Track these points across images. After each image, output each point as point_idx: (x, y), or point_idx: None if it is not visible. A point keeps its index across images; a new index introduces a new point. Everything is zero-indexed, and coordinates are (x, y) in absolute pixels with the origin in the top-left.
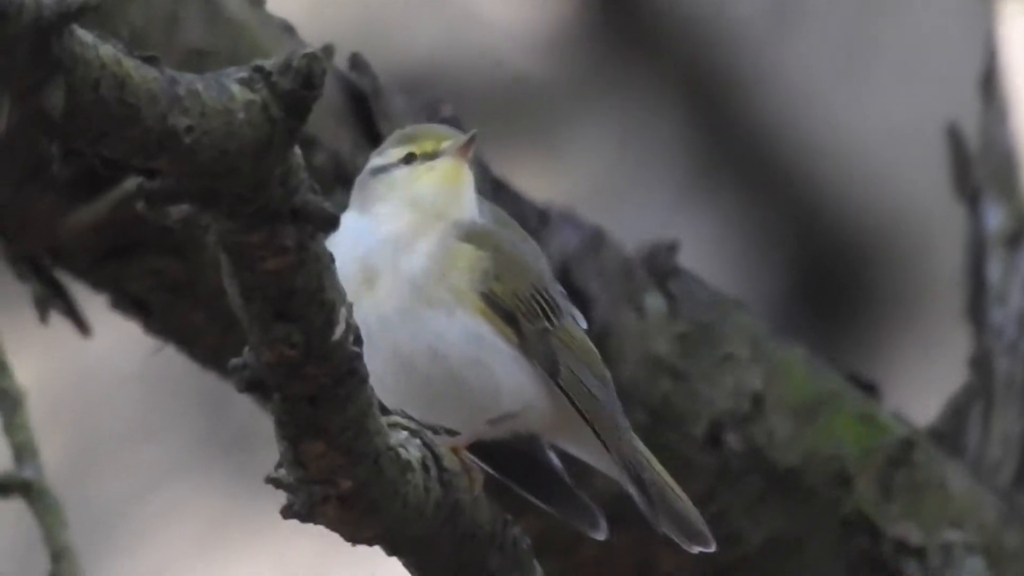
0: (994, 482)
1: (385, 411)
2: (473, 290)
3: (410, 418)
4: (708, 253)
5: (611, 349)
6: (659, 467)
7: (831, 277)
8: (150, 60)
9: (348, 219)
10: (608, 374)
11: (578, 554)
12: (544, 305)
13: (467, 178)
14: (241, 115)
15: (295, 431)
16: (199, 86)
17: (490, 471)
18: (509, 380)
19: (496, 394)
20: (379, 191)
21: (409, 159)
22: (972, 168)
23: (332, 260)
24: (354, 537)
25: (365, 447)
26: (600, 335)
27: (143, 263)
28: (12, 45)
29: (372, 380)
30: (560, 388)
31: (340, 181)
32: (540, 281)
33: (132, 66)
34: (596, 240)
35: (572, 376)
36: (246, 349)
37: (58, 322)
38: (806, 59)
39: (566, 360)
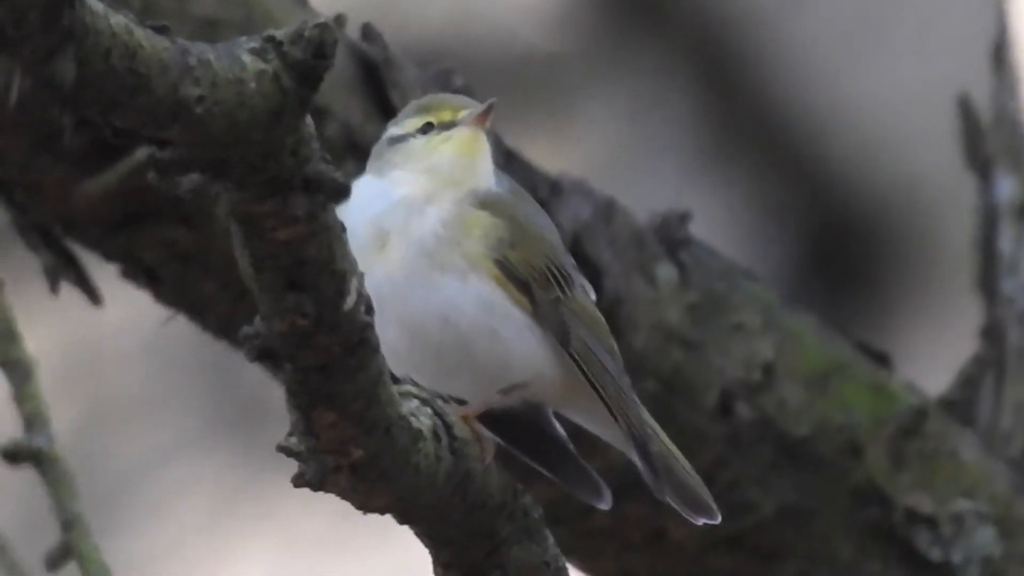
0: (1006, 452)
1: (396, 381)
2: (488, 256)
3: (420, 387)
4: (719, 226)
5: (622, 319)
6: (666, 439)
7: (842, 249)
8: (161, 30)
9: (362, 183)
10: (615, 345)
11: (589, 523)
12: (557, 275)
13: (484, 147)
14: (252, 85)
15: (307, 400)
16: (211, 56)
17: (495, 438)
18: (521, 348)
19: (507, 363)
20: (395, 159)
21: (426, 129)
22: (983, 139)
23: (343, 230)
24: (365, 506)
25: (377, 416)
26: (612, 305)
27: (155, 233)
28: (24, 14)
29: (383, 348)
30: (572, 357)
31: (351, 151)
32: (553, 251)
33: (143, 36)
34: (608, 210)
35: (583, 346)
36: (257, 319)
37: (68, 295)
38: (817, 32)
39: (577, 330)
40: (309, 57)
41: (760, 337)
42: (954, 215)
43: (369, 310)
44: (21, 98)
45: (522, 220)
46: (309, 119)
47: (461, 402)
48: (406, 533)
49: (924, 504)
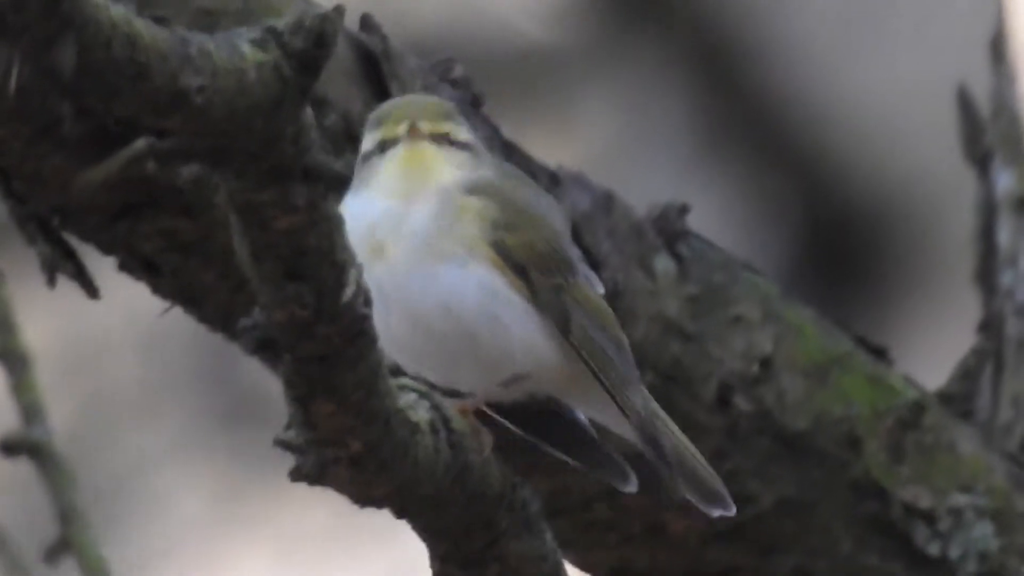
0: (1004, 446)
1: (395, 375)
2: (484, 239)
3: (418, 380)
4: (717, 219)
5: (621, 310)
6: (676, 429)
7: (840, 242)
8: (161, 20)
9: (347, 202)
10: (624, 338)
11: (588, 515)
12: (557, 261)
13: (431, 153)
14: (252, 75)
15: (306, 391)
16: (210, 46)
17: (515, 429)
18: (522, 336)
19: (509, 350)
20: (363, 176)
21: (384, 146)
22: (982, 131)
23: (343, 221)
24: (363, 499)
25: (376, 407)
26: (610, 296)
27: (154, 222)
28: (23, 2)
29: (387, 341)
30: (572, 344)
31: (351, 141)
32: (555, 236)
33: (143, 25)
34: (606, 202)
35: (584, 334)
36: (256, 310)
37: (67, 289)
38: (814, 25)
39: (579, 317)
40: (309, 47)
41: (759, 329)
42: (952, 208)
43: (367, 302)
44: (21, 86)
45: (516, 201)
46: (309, 109)
47: (463, 395)
48: (404, 534)
49: (922, 498)
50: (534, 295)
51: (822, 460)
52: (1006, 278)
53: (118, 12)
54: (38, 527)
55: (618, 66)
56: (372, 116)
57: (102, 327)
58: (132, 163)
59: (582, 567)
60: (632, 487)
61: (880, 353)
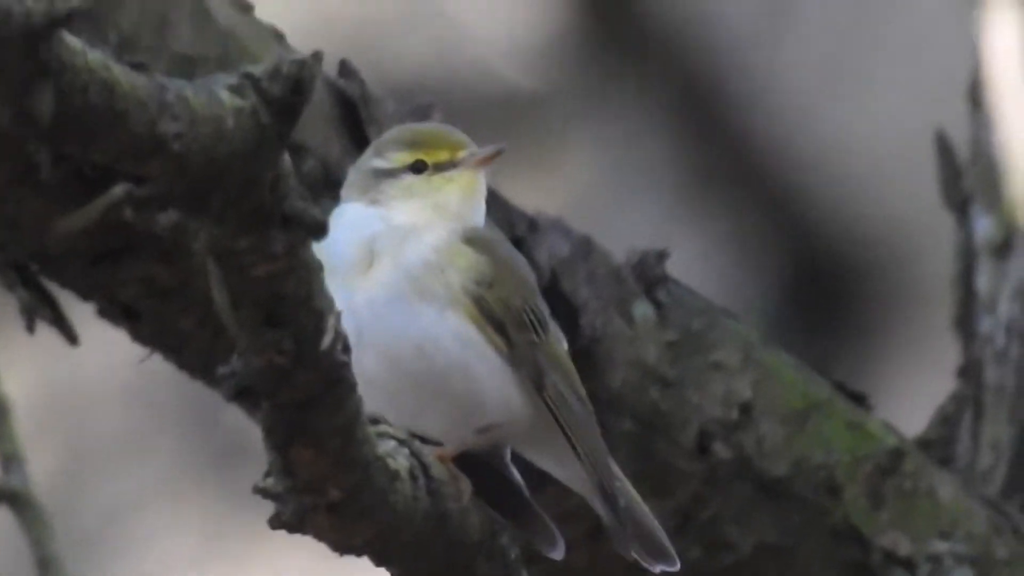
0: (984, 491)
1: (373, 422)
2: (466, 292)
3: (397, 428)
4: (699, 264)
5: (600, 356)
6: (630, 487)
7: (821, 286)
8: (139, 66)
9: (352, 208)
10: (585, 395)
11: (566, 561)
12: (532, 318)
13: (483, 188)
14: (230, 121)
15: (284, 438)
16: (188, 92)
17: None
18: (495, 388)
19: (481, 401)
20: (391, 192)
21: (419, 166)
22: (961, 177)
23: (321, 268)
24: (343, 546)
25: (354, 455)
26: (589, 343)
27: (133, 269)
28: (0, 50)
29: (361, 378)
30: (545, 402)
31: (329, 187)
32: (532, 294)
33: (121, 72)
34: (585, 247)
35: (556, 390)
36: (234, 357)
37: (48, 337)
38: (796, 70)
39: (552, 374)
40: (287, 93)
41: (738, 375)
42: (933, 253)
43: (346, 349)
44: None
45: (505, 260)
46: (287, 155)
47: (437, 443)
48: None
49: (902, 545)
50: (511, 350)
51: (801, 506)
52: (985, 324)
53: (96, 58)
54: (18, 575)
55: (600, 110)
56: (399, 136)
57: (84, 372)
58: (110, 209)
59: None
60: (559, 554)
61: (859, 399)
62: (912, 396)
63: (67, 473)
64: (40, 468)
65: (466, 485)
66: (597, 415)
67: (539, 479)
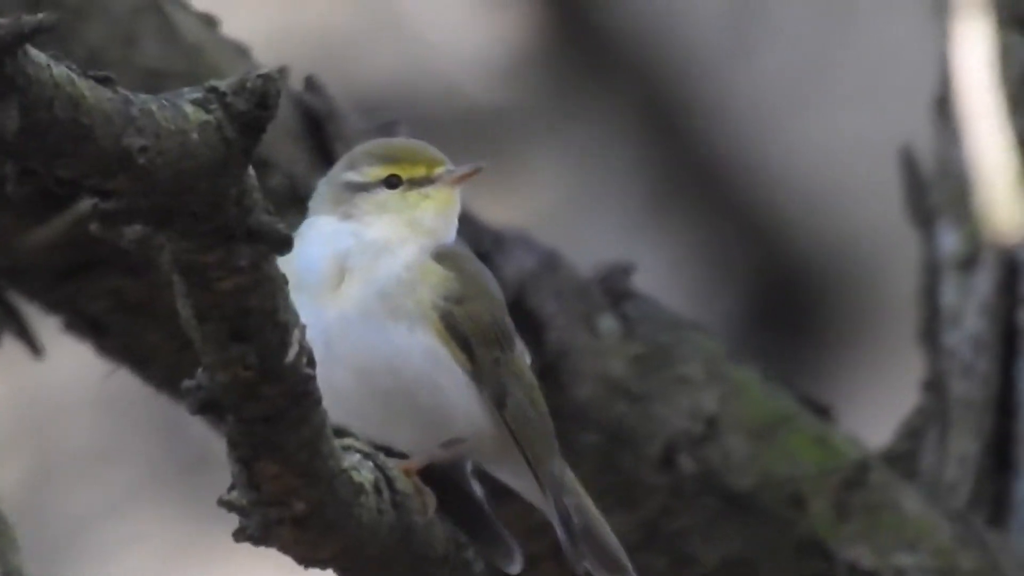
0: (950, 504)
1: (339, 435)
2: (435, 309)
3: (362, 441)
4: (665, 277)
5: (566, 370)
6: (589, 500)
7: (787, 300)
8: (104, 81)
9: (323, 222)
10: (547, 410)
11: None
12: (499, 335)
13: (457, 205)
14: (195, 136)
15: (249, 452)
16: (153, 106)
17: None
18: (462, 405)
19: (450, 417)
20: (365, 207)
21: (393, 181)
22: (926, 191)
23: (286, 282)
24: (307, 559)
25: (319, 468)
26: (555, 356)
27: (100, 283)
28: None
29: (330, 392)
30: (504, 419)
31: (295, 202)
32: (499, 310)
33: (86, 86)
34: (551, 262)
35: (517, 408)
36: (199, 371)
37: (14, 349)
38: (762, 83)
39: (514, 392)
40: (252, 108)
41: (704, 389)
42: (898, 266)
43: (311, 363)
44: None
45: (474, 276)
46: (252, 170)
47: (403, 456)
48: None
49: (867, 558)
50: (474, 367)
51: (767, 519)
52: (950, 338)
53: (61, 73)
54: None
55: (565, 124)
56: (372, 150)
57: (52, 383)
58: (76, 224)
59: None
60: (516, 568)
61: (824, 412)
62: (877, 409)
63: (34, 483)
64: (7, 479)
65: (431, 498)
66: (563, 429)
67: (504, 493)
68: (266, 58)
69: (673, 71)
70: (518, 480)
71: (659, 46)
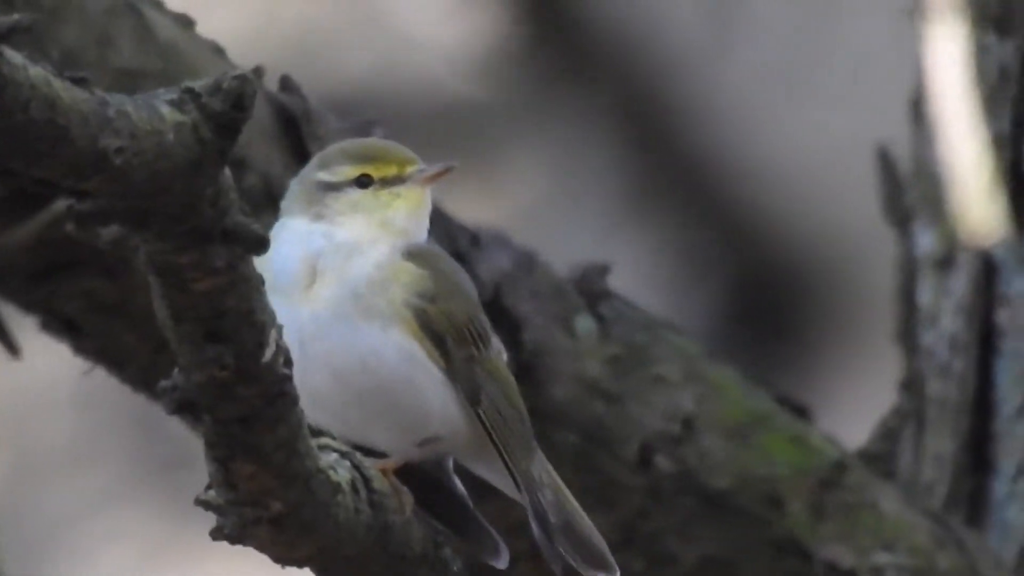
0: (927, 504)
1: (315, 434)
2: (408, 307)
3: (339, 441)
4: (643, 276)
5: (542, 371)
6: (569, 495)
7: (764, 299)
8: (80, 81)
9: (295, 223)
10: (524, 409)
11: (513, 573)
12: (474, 332)
13: (428, 204)
14: (171, 136)
15: (226, 452)
16: (129, 107)
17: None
18: (438, 403)
19: (426, 415)
20: (337, 207)
21: (364, 181)
22: (903, 191)
23: (262, 282)
24: (284, 559)
25: (296, 468)
26: (532, 357)
27: (76, 283)
28: None
29: (306, 392)
30: (479, 416)
31: (271, 202)
32: (473, 308)
33: (62, 87)
34: (528, 262)
35: (491, 405)
36: (175, 371)
37: None
38: (740, 81)
39: (489, 389)
40: (227, 109)
41: (681, 389)
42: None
43: (288, 363)
44: None
45: (448, 275)
46: (227, 170)
47: (380, 455)
48: None
49: (844, 557)
50: (449, 364)
51: (744, 519)
52: (927, 337)
53: (37, 73)
54: None
55: (543, 122)
56: (344, 149)
57: (29, 382)
58: (52, 224)
59: None
60: (503, 563)
61: (801, 412)
62: (854, 409)
63: (12, 482)
64: None
65: (408, 497)
66: (540, 429)
67: (486, 490)
68: (242, 58)
69: (652, 70)
70: (497, 477)
71: (638, 44)
